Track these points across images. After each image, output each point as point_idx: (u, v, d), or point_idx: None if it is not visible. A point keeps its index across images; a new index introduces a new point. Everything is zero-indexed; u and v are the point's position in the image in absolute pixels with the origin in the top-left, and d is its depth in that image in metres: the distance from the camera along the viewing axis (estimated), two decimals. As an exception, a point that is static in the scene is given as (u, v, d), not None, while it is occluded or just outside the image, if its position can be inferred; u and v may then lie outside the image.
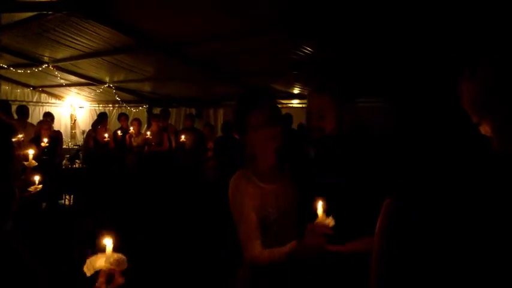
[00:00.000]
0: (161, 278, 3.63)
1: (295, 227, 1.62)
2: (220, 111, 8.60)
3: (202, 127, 7.45)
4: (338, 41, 4.08)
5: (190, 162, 6.03)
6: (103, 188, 5.62)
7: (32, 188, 2.48)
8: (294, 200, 1.65)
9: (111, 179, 5.73)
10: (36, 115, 9.05)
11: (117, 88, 8.24)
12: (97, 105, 10.37)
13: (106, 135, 6.28)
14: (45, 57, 6.82)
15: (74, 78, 7.94)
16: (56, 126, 7.91)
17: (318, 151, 1.74)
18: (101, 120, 6.80)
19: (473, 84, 0.89)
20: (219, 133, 7.28)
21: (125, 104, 9.34)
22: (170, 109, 7.92)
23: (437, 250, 0.84)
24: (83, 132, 9.50)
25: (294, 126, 6.33)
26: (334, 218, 1.35)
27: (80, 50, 5.79)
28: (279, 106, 1.77)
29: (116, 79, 7.79)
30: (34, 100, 9.85)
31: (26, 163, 2.62)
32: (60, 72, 7.43)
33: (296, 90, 6.68)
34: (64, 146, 7.50)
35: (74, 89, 9.34)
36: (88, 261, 1.05)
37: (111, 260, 1.06)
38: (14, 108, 6.43)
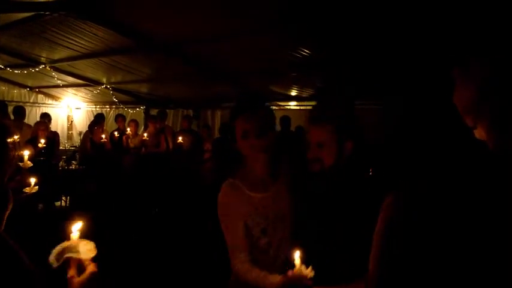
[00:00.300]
0: (157, 279, 3.61)
1: (288, 236, 1.60)
2: (218, 113, 8.61)
3: (199, 129, 7.44)
4: (337, 41, 4.10)
5: (187, 164, 6.01)
6: (100, 189, 5.60)
7: (27, 189, 2.45)
8: (286, 209, 1.62)
9: (108, 181, 5.71)
10: (32, 116, 9.04)
11: (114, 89, 8.23)
12: (94, 106, 10.36)
13: (103, 136, 6.24)
14: (42, 58, 6.80)
15: (71, 79, 7.93)
16: (53, 127, 7.89)
17: (317, 187, 1.59)
18: (97, 121, 6.76)
19: (468, 84, 0.90)
20: (217, 135, 7.28)
21: (122, 105, 9.32)
22: (167, 110, 7.89)
23: (438, 250, 0.84)
24: (80, 133, 9.46)
25: (292, 128, 6.34)
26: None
27: (77, 51, 5.78)
28: (276, 108, 1.71)
29: (113, 80, 7.79)
30: (31, 101, 9.82)
31: (21, 164, 2.59)
32: (57, 73, 7.41)
33: (294, 92, 6.69)
34: (61, 147, 7.48)
35: (71, 90, 9.33)
36: (54, 251, 0.97)
37: (78, 248, 0.98)
38: (10, 108, 6.40)
